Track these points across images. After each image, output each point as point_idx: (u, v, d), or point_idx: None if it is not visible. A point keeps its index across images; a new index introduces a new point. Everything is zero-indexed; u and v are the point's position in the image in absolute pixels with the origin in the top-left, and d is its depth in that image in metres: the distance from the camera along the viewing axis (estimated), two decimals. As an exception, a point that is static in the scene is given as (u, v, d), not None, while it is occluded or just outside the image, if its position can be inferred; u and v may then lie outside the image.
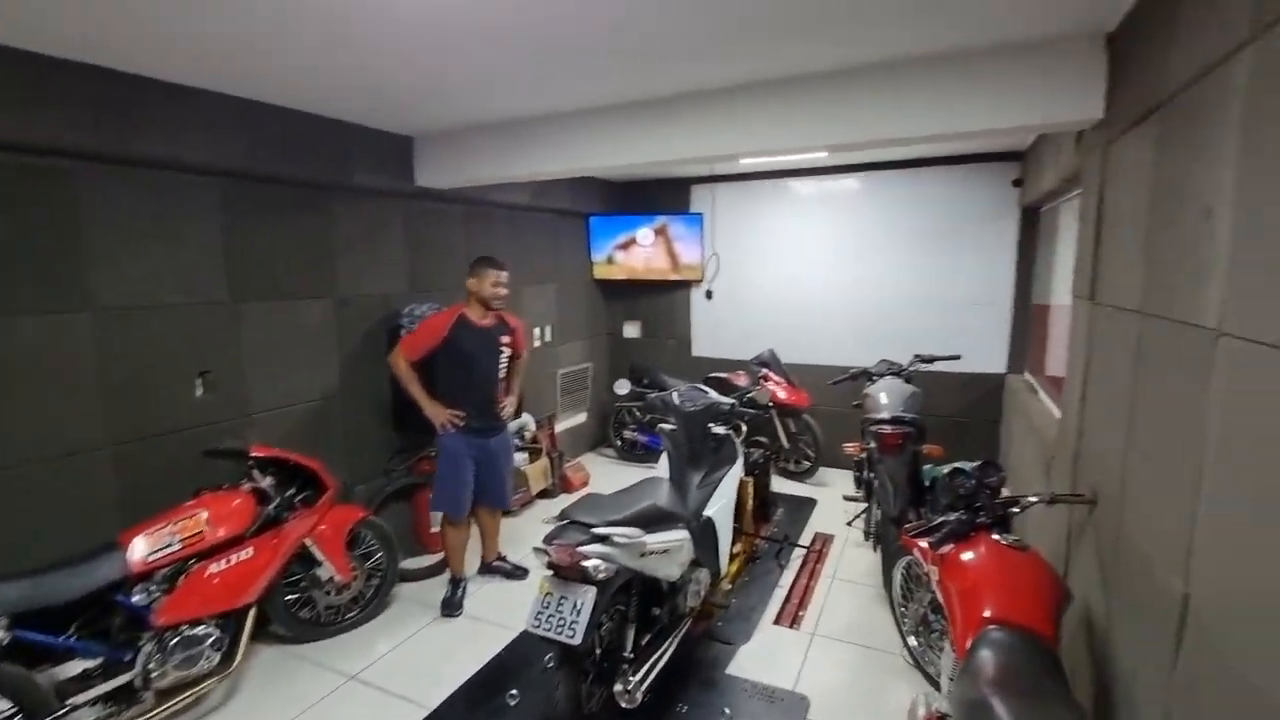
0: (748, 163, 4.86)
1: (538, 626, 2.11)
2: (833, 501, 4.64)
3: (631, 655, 2.36)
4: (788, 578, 3.65)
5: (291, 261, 3.30)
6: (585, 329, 6.00)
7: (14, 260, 2.34)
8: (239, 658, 2.54)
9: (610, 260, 6.01)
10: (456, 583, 3.38)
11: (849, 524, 4.24)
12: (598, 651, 2.34)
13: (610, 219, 5.93)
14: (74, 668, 2.19)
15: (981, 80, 2.43)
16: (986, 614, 1.75)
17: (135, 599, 2.28)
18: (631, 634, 2.40)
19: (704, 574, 2.90)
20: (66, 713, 2.10)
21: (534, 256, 5.19)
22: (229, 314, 3.03)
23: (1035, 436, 3.36)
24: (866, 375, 4.14)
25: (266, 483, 2.72)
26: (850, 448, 3.90)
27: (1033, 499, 2.18)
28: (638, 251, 5.91)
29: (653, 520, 2.41)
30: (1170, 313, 1.55)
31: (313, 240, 3.40)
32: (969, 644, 1.70)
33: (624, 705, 2.22)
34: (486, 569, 3.60)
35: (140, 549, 2.31)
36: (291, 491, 2.82)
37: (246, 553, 2.57)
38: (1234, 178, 1.26)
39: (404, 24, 2.06)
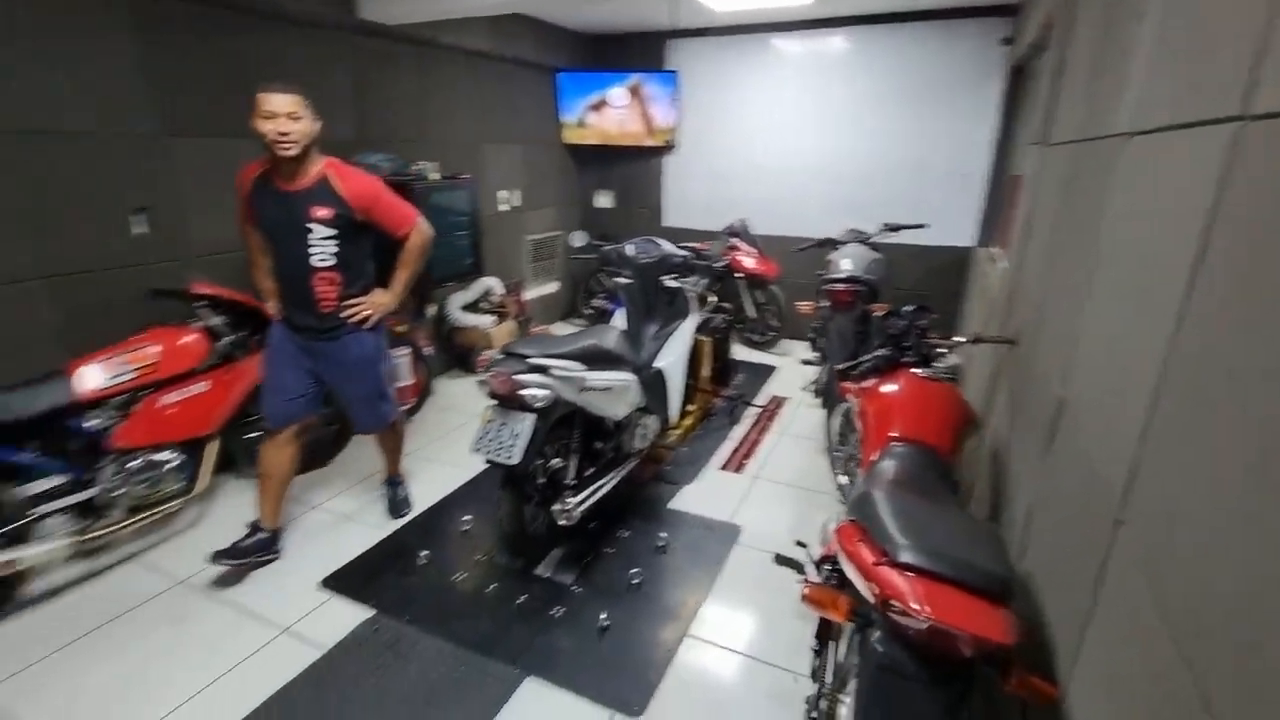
0: (728, 9, 4.50)
1: (480, 450, 2.22)
2: (792, 369, 4.78)
3: (574, 482, 2.51)
4: (739, 432, 3.82)
5: (227, 96, 3.10)
6: (556, 196, 5.83)
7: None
8: (203, 484, 2.68)
9: (582, 123, 5.74)
10: (264, 535, 2.56)
11: (804, 389, 4.39)
12: (541, 481, 2.49)
13: (581, 76, 5.59)
14: (39, 485, 2.30)
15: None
16: (893, 434, 1.87)
17: (89, 424, 2.35)
18: (574, 465, 2.54)
19: (652, 420, 3.03)
20: (34, 520, 2.24)
21: (497, 112, 4.93)
22: (159, 148, 2.89)
23: (987, 298, 3.42)
24: (831, 243, 4.13)
25: (217, 320, 2.73)
26: (805, 306, 3.91)
27: (959, 339, 2.25)
28: (610, 114, 5.63)
29: (595, 358, 2.47)
30: (1098, 131, 1.53)
31: (249, 74, 3.18)
32: (873, 458, 1.83)
33: (562, 523, 2.39)
34: (387, 483, 2.99)
35: (91, 377, 2.35)
36: (245, 333, 2.84)
37: (202, 385, 2.63)
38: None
39: None
